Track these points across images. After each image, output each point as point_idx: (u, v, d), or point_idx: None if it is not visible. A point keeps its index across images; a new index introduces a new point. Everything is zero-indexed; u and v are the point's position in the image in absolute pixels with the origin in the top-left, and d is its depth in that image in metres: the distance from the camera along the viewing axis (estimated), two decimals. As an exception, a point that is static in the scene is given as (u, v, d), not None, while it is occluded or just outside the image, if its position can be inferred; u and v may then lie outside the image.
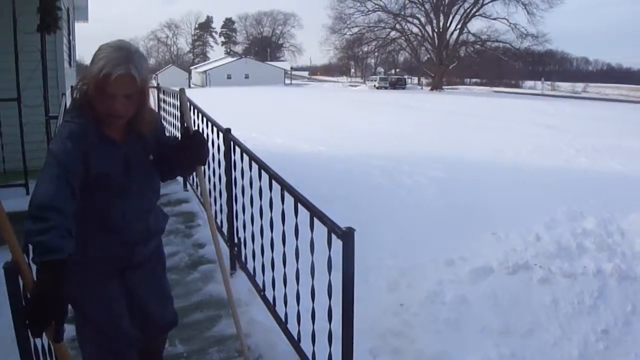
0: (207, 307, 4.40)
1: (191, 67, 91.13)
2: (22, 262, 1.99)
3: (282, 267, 3.50)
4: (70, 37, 10.27)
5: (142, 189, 2.39)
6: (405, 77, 70.82)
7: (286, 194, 3.32)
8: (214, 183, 5.46)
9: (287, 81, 78.93)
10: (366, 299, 4.70)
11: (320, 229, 2.90)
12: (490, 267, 4.69)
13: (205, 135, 5.34)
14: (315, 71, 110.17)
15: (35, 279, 1.93)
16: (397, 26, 63.62)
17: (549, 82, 66.06)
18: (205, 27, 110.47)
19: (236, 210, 4.65)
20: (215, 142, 5.24)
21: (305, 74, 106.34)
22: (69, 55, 9.79)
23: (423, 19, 62.47)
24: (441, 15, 60.98)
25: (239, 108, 27.25)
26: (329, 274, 2.91)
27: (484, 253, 5.01)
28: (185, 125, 2.59)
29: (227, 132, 4.66)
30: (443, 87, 60.34)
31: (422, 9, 62.05)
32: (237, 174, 4.53)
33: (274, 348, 3.70)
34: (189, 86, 73.46)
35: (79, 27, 14.18)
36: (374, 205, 8.31)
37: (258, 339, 3.91)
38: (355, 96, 41.71)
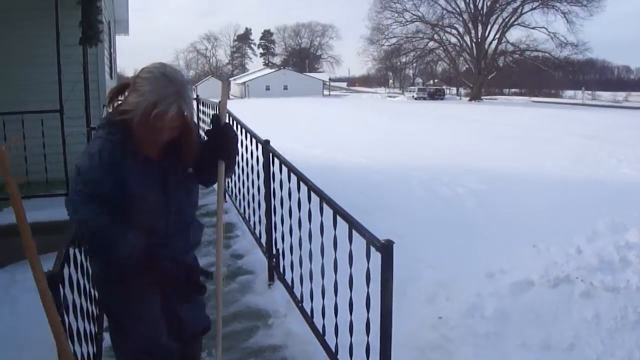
0: (244, 317, 4.43)
1: (230, 79, 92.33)
2: (42, 279, 2.02)
3: (320, 278, 3.49)
4: (112, 50, 10.51)
5: (181, 204, 2.37)
6: (444, 87, 70.31)
7: (325, 205, 3.32)
8: (253, 194, 5.50)
9: (326, 92, 79.19)
10: (404, 312, 4.64)
11: (359, 241, 2.88)
12: (531, 280, 4.57)
13: (244, 147, 5.45)
14: (354, 82, 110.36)
15: None
16: (435, 36, 63.44)
17: (589, 92, 64.86)
18: (243, 38, 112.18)
19: (275, 222, 4.66)
20: (254, 153, 5.29)
21: (344, 84, 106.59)
22: (110, 68, 10.02)
23: (461, 29, 62.30)
24: (479, 25, 60.52)
25: (277, 119, 27.47)
26: (367, 286, 2.90)
27: (524, 266, 4.90)
28: (218, 113, 2.42)
29: (266, 144, 4.69)
30: (482, 97, 59.67)
31: (460, 19, 61.81)
32: (276, 185, 4.54)
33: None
34: (229, 97, 74.22)
35: (119, 40, 14.51)
36: (412, 217, 8.24)
37: (295, 350, 3.91)
38: (394, 107, 41.59)
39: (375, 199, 9.38)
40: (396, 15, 64.27)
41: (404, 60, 72.54)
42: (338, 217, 3.14)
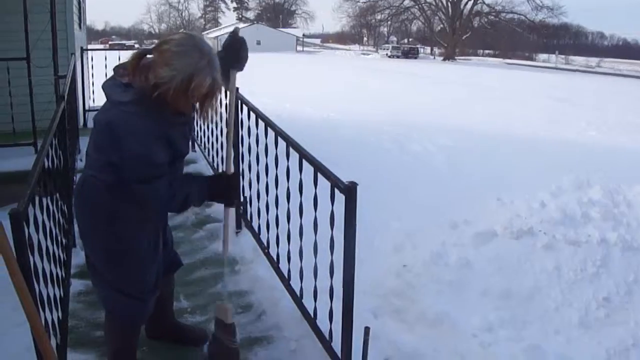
0: (211, 264, 4.42)
1: (202, 33, 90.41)
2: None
3: (286, 224, 3.48)
4: (81, 0, 10.17)
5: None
6: (418, 46, 70.00)
7: (291, 150, 3.30)
8: (221, 142, 5.44)
9: (299, 48, 78.24)
10: (371, 261, 4.71)
11: (324, 185, 2.88)
12: (494, 232, 4.66)
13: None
14: (328, 39, 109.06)
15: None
16: (412, -6, 62.84)
17: (562, 56, 65.17)
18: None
19: (242, 169, 4.63)
20: (223, 101, 5.21)
21: (318, 41, 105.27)
22: (79, 18, 9.71)
23: (438, -12, 61.60)
24: (456, -16, 60.06)
25: (248, 73, 27.04)
26: (332, 230, 2.90)
27: (488, 218, 4.99)
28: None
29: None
30: (456, 57, 59.65)
31: (437, -23, 61.17)
32: (244, 132, 4.50)
33: (277, 305, 3.71)
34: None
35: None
36: (381, 170, 8.31)
37: (262, 295, 3.93)
38: (366, 64, 41.35)
39: (344, 152, 9.40)
40: (372, -29, 63.57)
41: (379, 17, 72.04)
42: (304, 162, 3.13)
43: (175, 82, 2.13)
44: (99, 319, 3.38)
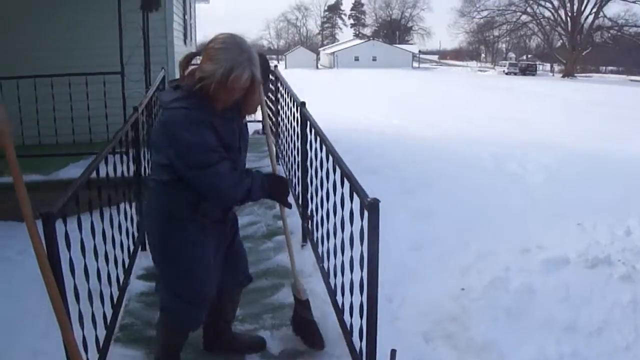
0: (273, 275, 4.44)
1: (319, 49, 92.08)
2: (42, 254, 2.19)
3: (332, 238, 3.44)
4: (186, 17, 10.66)
5: (246, 152, 2.69)
6: (537, 63, 67.14)
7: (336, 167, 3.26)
8: (295, 156, 5.47)
9: (415, 64, 77.66)
10: (436, 281, 4.53)
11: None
12: (567, 258, 4.30)
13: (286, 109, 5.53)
14: (445, 55, 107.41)
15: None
16: (529, 9, 60.37)
17: (695, 72, 59.84)
18: (334, 9, 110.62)
19: (307, 183, 4.62)
20: (296, 115, 5.25)
21: (435, 57, 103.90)
22: (184, 34, 10.21)
23: (556, 2, 58.63)
24: (575, -2, 56.93)
25: (359, 91, 27.25)
26: (361, 245, 2.80)
27: (564, 243, 4.61)
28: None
29: (302, 106, 4.63)
30: (575, 74, 56.53)
31: (556, -9, 58.31)
32: (312, 150, 4.48)
33: (326, 319, 3.65)
34: (317, 67, 74.38)
35: (204, 8, 14.67)
36: (470, 189, 8.02)
37: (314, 310, 3.90)
38: (480, 82, 40.29)
39: (442, 170, 9.22)
40: (488, -14, 61.87)
41: (496, 34, 69.85)
42: (344, 178, 3.07)
43: (217, 75, 2.28)
44: (153, 319, 3.45)
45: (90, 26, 7.45)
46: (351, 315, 3.12)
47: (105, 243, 3.43)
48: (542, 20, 60.28)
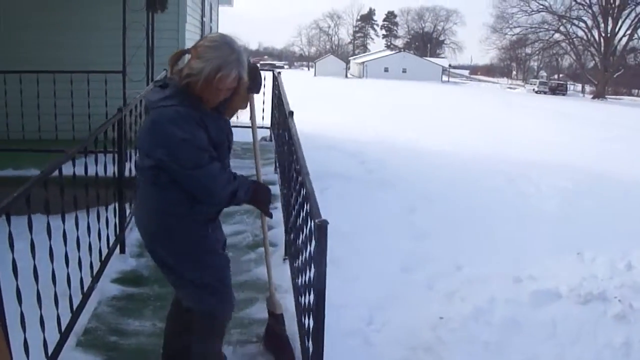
0: (249, 288, 4.26)
1: (350, 58, 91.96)
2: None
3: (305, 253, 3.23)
4: (204, 19, 10.56)
5: (229, 156, 2.64)
6: (568, 83, 66.05)
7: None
8: (284, 165, 5.28)
9: (444, 78, 77.10)
10: (422, 306, 4.28)
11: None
12: (558, 292, 3.98)
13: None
14: (476, 71, 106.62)
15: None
16: (562, 28, 59.13)
17: None
18: (367, 19, 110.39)
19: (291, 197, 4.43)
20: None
21: (465, 72, 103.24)
22: (201, 36, 10.11)
23: (590, 22, 57.20)
24: (610, 19, 55.32)
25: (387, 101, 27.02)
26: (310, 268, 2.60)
27: (559, 275, 4.28)
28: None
29: (289, 115, 4.44)
30: (606, 96, 55.38)
31: (590, 11, 56.69)
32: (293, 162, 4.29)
33: (295, 339, 3.45)
34: (346, 76, 74.25)
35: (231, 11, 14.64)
36: (475, 209, 7.74)
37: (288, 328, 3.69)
38: (509, 99, 39.77)
39: (447, 189, 8.97)
40: (522, 3, 60.76)
41: (528, 51, 68.91)
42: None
43: (204, 73, 2.26)
44: (121, 325, 3.49)
45: (96, 25, 7.37)
46: (307, 339, 2.89)
47: (65, 245, 3.28)
48: (574, 39, 59.07)
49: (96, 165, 4.02)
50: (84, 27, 7.44)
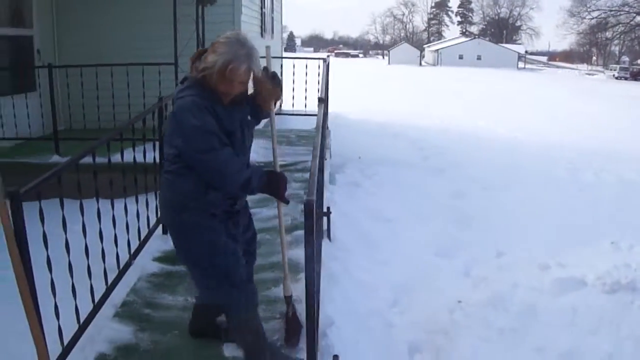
0: (279, 268, 4.34)
1: (424, 45, 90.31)
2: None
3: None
4: (265, 10, 10.70)
5: (251, 143, 2.78)
6: (652, 67, 62.19)
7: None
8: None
9: (520, 65, 74.48)
10: (442, 291, 4.27)
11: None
12: (583, 281, 3.86)
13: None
14: (554, 57, 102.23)
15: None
16: (644, 11, 55.70)
17: None
18: (441, 6, 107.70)
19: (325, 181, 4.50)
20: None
21: (544, 58, 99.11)
22: (261, 27, 10.28)
23: (675, 2, 53.74)
24: (697, -1, 51.82)
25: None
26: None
27: (589, 263, 4.14)
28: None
29: (319, 101, 4.48)
30: (694, 81, 51.66)
31: (675, -9, 53.39)
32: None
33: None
34: (420, 64, 73.06)
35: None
36: (530, 195, 7.61)
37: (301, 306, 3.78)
38: (584, 86, 38.03)
39: (509, 176, 8.82)
40: (602, -15, 57.80)
41: (608, 35, 65.25)
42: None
43: (217, 66, 2.42)
44: (156, 299, 3.66)
45: (149, 19, 7.65)
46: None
47: (114, 227, 3.63)
48: (658, 22, 55.57)
49: (134, 151, 4.24)
50: (140, 22, 7.78)
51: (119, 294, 3.72)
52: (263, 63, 2.78)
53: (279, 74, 2.98)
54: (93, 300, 3.37)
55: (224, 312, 2.88)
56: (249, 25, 8.85)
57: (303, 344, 3.18)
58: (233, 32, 2.56)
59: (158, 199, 2.83)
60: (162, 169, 2.72)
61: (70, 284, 3.06)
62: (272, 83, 2.79)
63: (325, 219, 4.82)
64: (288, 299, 3.27)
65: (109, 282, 3.63)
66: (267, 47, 3.13)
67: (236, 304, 2.76)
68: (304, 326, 3.13)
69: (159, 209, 2.82)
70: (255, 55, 2.51)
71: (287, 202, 2.85)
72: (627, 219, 6.05)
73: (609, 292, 3.73)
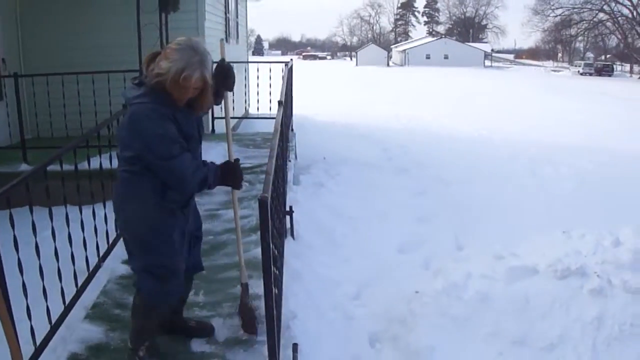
0: (246, 267, 4.41)
1: (391, 46, 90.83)
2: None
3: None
4: (229, 16, 10.73)
5: (200, 148, 2.82)
6: (615, 63, 63.54)
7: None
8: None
9: (487, 63, 75.46)
10: (401, 283, 4.38)
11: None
12: (535, 268, 3.99)
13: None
14: (521, 54, 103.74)
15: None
16: (606, 7, 56.50)
17: None
18: (407, 6, 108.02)
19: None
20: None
21: (510, 56, 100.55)
22: (226, 33, 10.31)
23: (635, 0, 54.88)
24: (655, -6, 52.83)
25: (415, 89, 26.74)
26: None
27: (540, 252, 4.26)
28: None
29: (279, 104, 4.58)
30: (654, 76, 52.96)
31: (634, -12, 54.33)
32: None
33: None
34: (388, 65, 73.51)
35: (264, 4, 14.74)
36: (489, 191, 7.79)
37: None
38: (549, 82, 38.74)
39: (466, 171, 9.01)
40: (561, -17, 58.66)
41: (572, 32, 66.34)
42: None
43: (171, 73, 2.45)
44: (125, 300, 3.66)
45: (114, 27, 7.69)
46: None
47: (69, 228, 3.60)
48: (619, 18, 56.50)
49: (100, 158, 4.32)
50: (104, 30, 7.84)
51: (90, 296, 3.81)
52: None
53: (233, 69, 3.03)
54: (64, 302, 3.47)
55: (137, 289, 2.91)
56: (213, 31, 8.87)
57: (263, 336, 3.28)
58: (184, 38, 2.59)
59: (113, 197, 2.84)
60: (118, 170, 2.76)
61: (42, 286, 3.14)
62: (225, 76, 2.88)
63: (288, 218, 4.90)
64: (244, 286, 3.36)
65: (79, 284, 3.74)
66: (221, 40, 3.22)
67: (154, 292, 2.79)
68: (258, 318, 3.22)
69: (115, 208, 2.85)
70: (209, 60, 2.55)
71: (239, 187, 2.97)
72: (581, 209, 6.26)
73: (559, 278, 3.86)
